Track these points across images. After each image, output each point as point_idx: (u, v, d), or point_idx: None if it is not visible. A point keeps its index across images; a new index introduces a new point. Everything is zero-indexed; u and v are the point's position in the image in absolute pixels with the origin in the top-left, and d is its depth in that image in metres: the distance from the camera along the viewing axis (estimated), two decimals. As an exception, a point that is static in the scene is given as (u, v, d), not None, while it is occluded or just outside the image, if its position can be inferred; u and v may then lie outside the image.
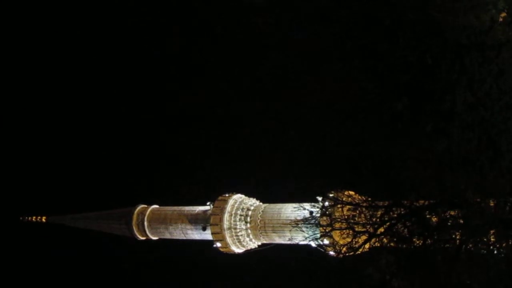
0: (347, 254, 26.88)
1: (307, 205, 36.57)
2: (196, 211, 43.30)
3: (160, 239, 45.76)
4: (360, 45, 24.98)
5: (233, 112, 53.90)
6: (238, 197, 42.15)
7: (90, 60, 59.95)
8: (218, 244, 41.38)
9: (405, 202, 24.56)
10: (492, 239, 22.22)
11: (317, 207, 34.43)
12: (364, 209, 26.45)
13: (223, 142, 56.50)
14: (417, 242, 23.73)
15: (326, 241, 31.35)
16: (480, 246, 22.10)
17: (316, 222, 34.09)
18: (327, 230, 30.19)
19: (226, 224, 40.88)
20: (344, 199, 29.28)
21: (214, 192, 42.98)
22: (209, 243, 42.11)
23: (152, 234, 45.32)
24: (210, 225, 41.39)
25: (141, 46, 58.29)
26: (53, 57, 60.83)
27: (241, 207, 41.40)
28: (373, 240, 25.52)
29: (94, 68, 60.02)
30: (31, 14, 59.42)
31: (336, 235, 29.34)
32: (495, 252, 22.11)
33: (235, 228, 40.82)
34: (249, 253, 41.68)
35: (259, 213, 40.81)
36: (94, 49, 59.80)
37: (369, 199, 27.03)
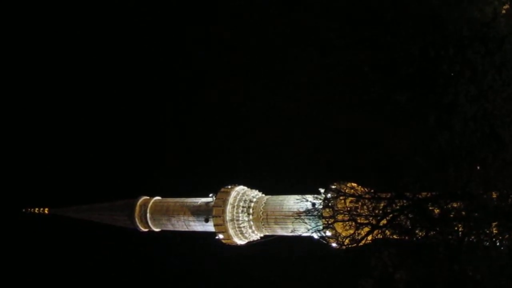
0: (349, 246, 26.91)
1: (309, 197, 36.69)
2: (199, 203, 43.33)
3: (162, 231, 45.83)
4: (363, 38, 24.97)
5: (235, 105, 53.97)
6: (241, 188, 42.18)
7: (93, 55, 60.05)
8: (221, 236, 41.42)
9: (408, 194, 24.60)
10: (494, 231, 22.27)
11: (320, 199, 34.53)
12: (366, 201, 26.46)
13: (225, 134, 56.62)
14: (420, 234, 23.78)
15: (328, 233, 31.37)
16: (482, 238, 22.13)
17: (319, 213, 34.14)
18: (329, 222, 30.18)
19: (228, 216, 40.90)
20: (346, 191, 29.32)
21: (217, 183, 43.02)
22: (212, 234, 42.17)
23: (154, 225, 45.38)
24: (213, 216, 41.41)
25: (142, 43, 58.45)
26: (57, 52, 60.96)
27: (243, 198, 41.43)
28: (375, 232, 25.55)
29: (97, 63, 60.15)
30: (31, 14, 59.47)
31: (338, 227, 29.34)
32: (498, 244, 22.16)
33: (238, 220, 40.86)
34: (251, 244, 41.73)
35: (262, 204, 40.83)
36: (97, 45, 59.96)
37: (372, 191, 27.06)
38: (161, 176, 57.38)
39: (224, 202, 41.18)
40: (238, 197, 41.35)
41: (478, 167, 22.62)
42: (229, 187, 42.03)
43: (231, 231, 40.93)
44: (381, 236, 25.41)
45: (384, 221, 25.30)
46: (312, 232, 32.21)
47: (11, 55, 60.47)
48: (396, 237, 24.85)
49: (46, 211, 49.69)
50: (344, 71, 26.88)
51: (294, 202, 38.80)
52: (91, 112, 62.57)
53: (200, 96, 57.65)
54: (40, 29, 59.53)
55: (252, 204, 41.03)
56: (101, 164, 61.61)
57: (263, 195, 41.95)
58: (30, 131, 63.29)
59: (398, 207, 24.87)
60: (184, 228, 43.95)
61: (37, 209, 49.69)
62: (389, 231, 24.96)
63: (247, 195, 41.62)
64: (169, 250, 53.15)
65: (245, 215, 40.84)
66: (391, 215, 25.02)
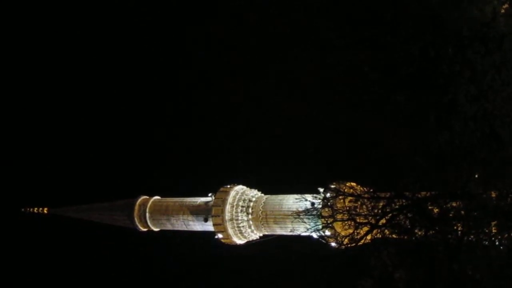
0: (348, 246, 26.93)
1: (309, 196, 36.76)
2: (198, 203, 43.36)
3: (161, 231, 45.85)
4: (363, 38, 25.00)
5: (235, 105, 54.01)
6: (240, 188, 42.21)
7: (93, 55, 60.13)
8: (220, 236, 41.45)
9: (407, 193, 24.61)
10: (494, 231, 22.28)
11: (319, 198, 34.60)
12: (366, 200, 26.47)
13: (225, 134, 56.65)
14: (419, 233, 23.78)
15: (327, 233, 31.44)
16: (482, 238, 22.15)
17: (318, 213, 34.20)
18: (328, 221, 30.22)
19: (227, 215, 40.94)
20: (346, 190, 29.37)
21: (217, 183, 43.05)
22: (211, 234, 42.19)
23: (154, 225, 45.42)
24: (212, 216, 41.44)
25: (142, 44, 58.53)
26: (57, 52, 61.04)
27: (242, 198, 41.46)
28: (375, 231, 25.55)
29: (97, 63, 60.23)
30: (31, 14, 59.52)
31: (338, 226, 29.39)
32: (497, 243, 22.18)
33: (237, 219, 40.89)
34: (250, 244, 41.76)
35: (261, 204, 40.87)
36: (97, 45, 60.02)
37: (371, 190, 27.10)
38: (161, 176, 57.47)
39: (223, 201, 41.23)
40: (237, 197, 41.39)
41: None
42: (228, 186, 42.06)
43: (230, 231, 40.97)
44: (380, 236, 25.41)
45: (383, 221, 25.30)
46: (311, 232, 32.26)
47: (11, 55, 60.61)
48: (395, 237, 24.84)
49: (45, 211, 49.69)
50: (344, 71, 26.89)
51: (293, 202, 38.85)
52: (91, 112, 62.71)
53: (200, 96, 57.75)
54: (40, 29, 59.67)
55: (251, 204, 41.07)
56: (101, 164, 61.69)
57: (262, 194, 41.99)
58: (30, 131, 63.40)
59: (397, 207, 24.87)
60: (184, 228, 43.97)
61: (36, 208, 49.68)
62: (388, 230, 24.96)
63: (246, 195, 41.66)
64: (169, 250, 53.18)
65: (244, 215, 40.88)
66: (390, 215, 25.02)
